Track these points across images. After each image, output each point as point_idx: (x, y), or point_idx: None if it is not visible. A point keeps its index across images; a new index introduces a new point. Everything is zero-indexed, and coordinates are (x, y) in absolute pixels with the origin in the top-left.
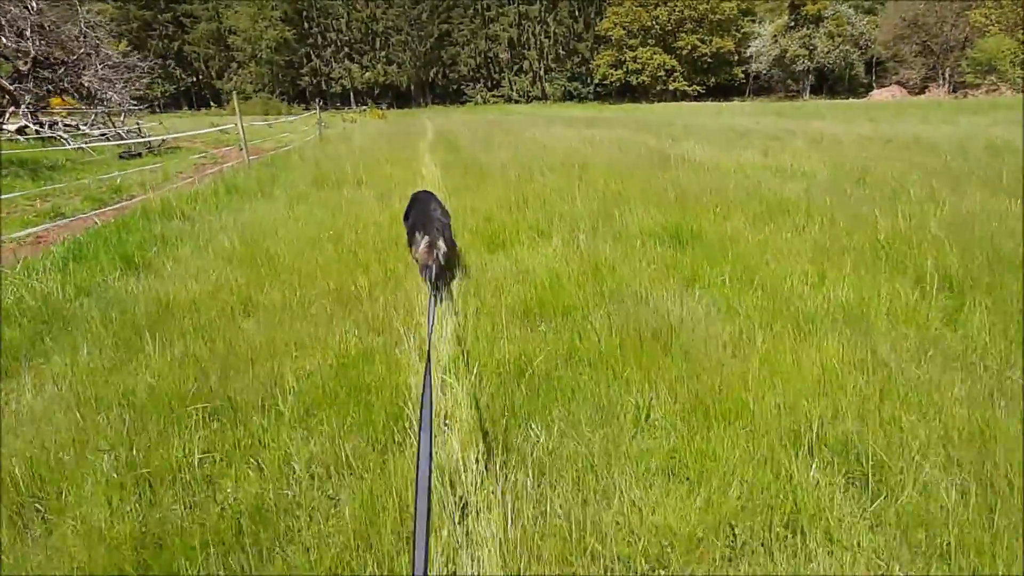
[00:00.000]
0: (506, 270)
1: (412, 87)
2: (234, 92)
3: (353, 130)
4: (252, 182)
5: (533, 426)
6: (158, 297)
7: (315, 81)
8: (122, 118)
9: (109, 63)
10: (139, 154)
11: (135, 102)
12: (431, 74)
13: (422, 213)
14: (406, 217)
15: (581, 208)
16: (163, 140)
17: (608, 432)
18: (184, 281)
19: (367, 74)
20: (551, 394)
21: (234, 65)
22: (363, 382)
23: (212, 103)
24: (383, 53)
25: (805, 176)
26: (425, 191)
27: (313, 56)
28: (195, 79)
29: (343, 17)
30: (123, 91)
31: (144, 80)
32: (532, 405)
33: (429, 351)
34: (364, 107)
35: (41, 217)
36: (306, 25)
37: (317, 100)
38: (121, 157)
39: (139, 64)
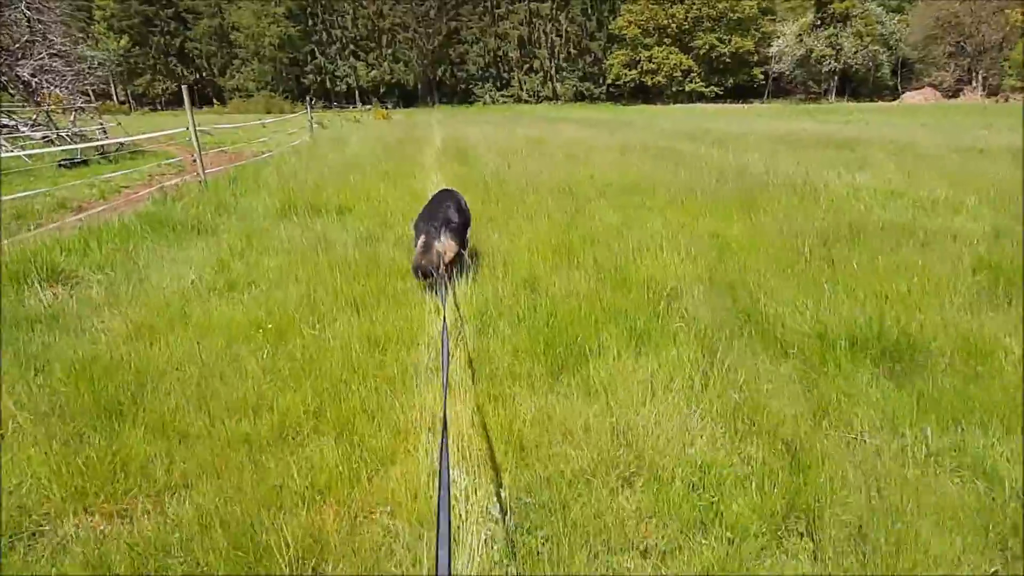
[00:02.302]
0: (596, 444)
1: (419, 86)
2: (184, 87)
3: (351, 133)
4: (194, 209)
5: None
6: None
7: (319, 79)
8: (72, 118)
9: (53, 51)
10: (84, 161)
11: (85, 97)
12: (439, 73)
13: (430, 211)
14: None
15: (679, 268)
16: (120, 144)
17: None
18: None
19: (373, 72)
20: None
21: (237, 62)
22: None
23: (215, 101)
24: (389, 51)
25: (958, 209)
26: (447, 189)
27: (318, 54)
28: (197, 76)
29: (348, 14)
30: (72, 84)
31: (99, 73)
32: None
33: (445, 405)
34: (369, 106)
35: None
36: (310, 22)
37: (309, 99)
38: (60, 166)
39: (91, 54)
